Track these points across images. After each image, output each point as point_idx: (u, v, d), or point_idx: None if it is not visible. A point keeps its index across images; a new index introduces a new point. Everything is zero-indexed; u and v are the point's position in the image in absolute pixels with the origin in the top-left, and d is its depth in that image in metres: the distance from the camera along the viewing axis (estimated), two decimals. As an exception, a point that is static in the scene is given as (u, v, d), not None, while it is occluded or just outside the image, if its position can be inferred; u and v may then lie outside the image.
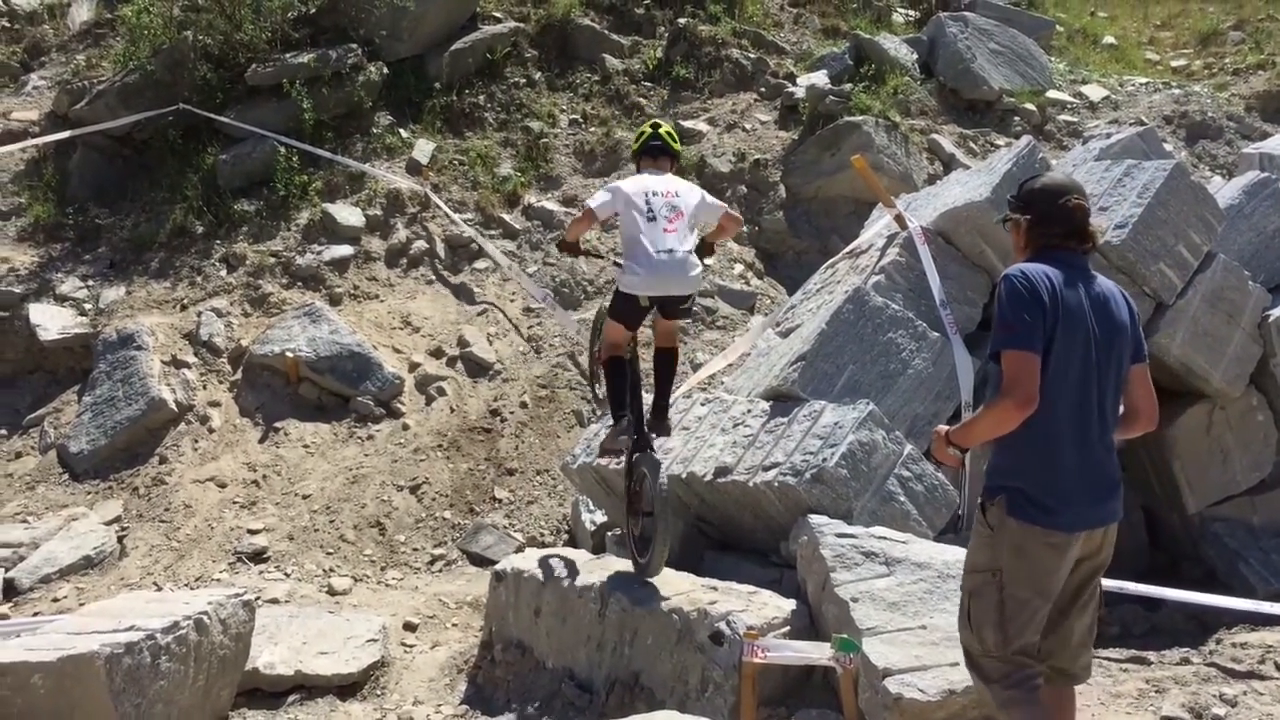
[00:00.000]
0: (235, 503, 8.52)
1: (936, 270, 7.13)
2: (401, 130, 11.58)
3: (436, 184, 11.11)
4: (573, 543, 8.36)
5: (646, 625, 5.45)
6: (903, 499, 5.97)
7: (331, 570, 8.04)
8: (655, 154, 6.01)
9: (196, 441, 8.98)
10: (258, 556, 8.11)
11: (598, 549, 7.64)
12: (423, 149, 11.37)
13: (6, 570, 7.85)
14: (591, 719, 5.59)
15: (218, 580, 7.77)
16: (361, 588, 7.89)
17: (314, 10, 11.77)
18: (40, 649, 5.07)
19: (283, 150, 10.81)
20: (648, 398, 6.18)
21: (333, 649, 6.64)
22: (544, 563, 6.42)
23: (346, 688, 6.49)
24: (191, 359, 9.49)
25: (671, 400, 6.14)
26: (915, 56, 13.58)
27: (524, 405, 9.50)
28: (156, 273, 10.31)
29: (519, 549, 8.21)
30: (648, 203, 5.65)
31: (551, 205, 11.23)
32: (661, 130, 6.05)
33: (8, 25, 12.86)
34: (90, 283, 10.19)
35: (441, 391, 9.50)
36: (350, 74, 11.36)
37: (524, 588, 6.35)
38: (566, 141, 11.96)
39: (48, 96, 11.88)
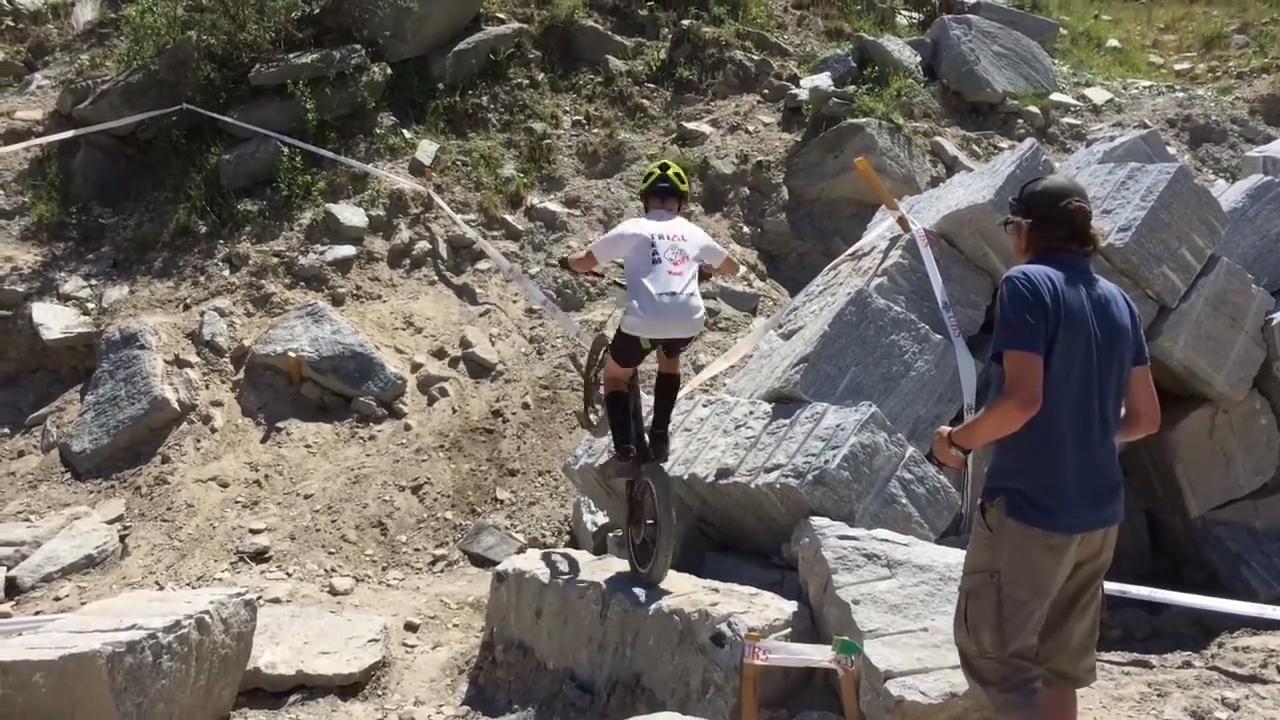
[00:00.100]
0: (237, 502, 8.53)
1: (939, 272, 7.13)
2: (405, 131, 11.59)
3: (439, 185, 11.12)
4: (574, 544, 8.36)
5: (648, 626, 5.44)
6: (904, 501, 5.97)
7: (333, 570, 8.04)
8: (663, 195, 6.03)
9: (199, 441, 8.98)
10: (259, 556, 8.11)
11: (599, 550, 7.64)
12: (426, 149, 11.38)
13: (9, 569, 7.85)
14: (593, 720, 5.60)
15: (219, 580, 7.77)
16: (363, 588, 7.89)
17: (318, 10, 11.78)
18: (42, 648, 5.06)
19: (286, 150, 10.82)
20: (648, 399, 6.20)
21: (334, 649, 6.64)
22: (547, 559, 6.43)
23: (348, 688, 6.49)
24: (194, 358, 9.50)
25: (671, 423, 6.15)
26: (919, 59, 13.59)
27: (526, 406, 9.51)
28: (159, 272, 10.32)
29: (520, 550, 8.21)
30: (654, 245, 5.68)
31: (554, 206, 11.24)
32: (669, 172, 6.07)
33: (12, 24, 12.89)
34: (93, 282, 10.20)
35: (444, 392, 9.50)
36: (354, 74, 11.37)
37: (525, 588, 6.34)
38: (569, 142, 11.96)
39: (52, 96, 11.90)
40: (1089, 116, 13.79)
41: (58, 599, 7.62)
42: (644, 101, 12.47)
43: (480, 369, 9.77)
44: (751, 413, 6.59)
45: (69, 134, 11.14)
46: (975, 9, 15.22)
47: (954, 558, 5.28)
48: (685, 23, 13.19)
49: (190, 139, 11.20)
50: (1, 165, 11.16)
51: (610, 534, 7.75)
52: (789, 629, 5.15)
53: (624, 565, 6.13)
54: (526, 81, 12.37)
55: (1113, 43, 16.81)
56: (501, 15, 12.71)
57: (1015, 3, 16.59)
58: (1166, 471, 7.51)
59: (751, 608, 5.24)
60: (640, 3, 13.46)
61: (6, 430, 9.36)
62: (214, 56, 11.36)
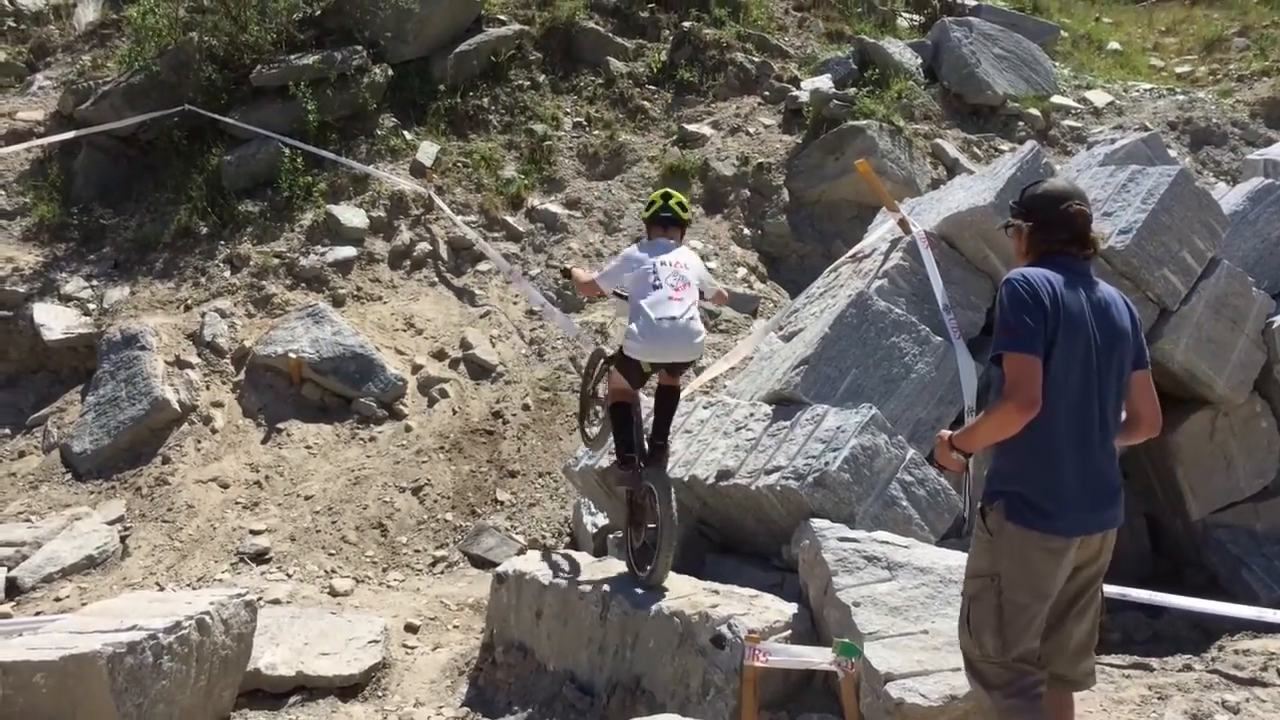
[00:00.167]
0: (238, 503, 8.53)
1: (940, 275, 7.14)
2: (405, 132, 11.59)
3: (440, 186, 11.12)
4: (574, 545, 8.35)
5: (648, 628, 5.44)
6: (905, 503, 5.97)
7: (333, 571, 8.04)
8: (665, 224, 6.11)
9: (199, 442, 8.98)
10: (260, 557, 8.11)
11: (599, 552, 7.64)
12: (426, 151, 11.38)
13: (9, 569, 7.85)
14: (592, 721, 5.60)
15: (220, 580, 7.77)
16: (363, 589, 7.89)
17: (319, 12, 11.80)
18: (43, 648, 5.07)
19: (287, 151, 10.83)
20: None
21: (334, 650, 6.63)
22: (548, 559, 6.43)
23: (348, 689, 6.49)
24: (195, 359, 9.51)
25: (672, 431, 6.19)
26: (919, 61, 13.60)
27: (526, 408, 9.51)
28: (160, 273, 10.33)
29: (520, 551, 8.21)
30: (655, 272, 5.76)
31: (555, 208, 11.24)
32: (672, 202, 6.14)
33: (14, 25, 12.90)
34: (94, 283, 10.21)
35: (444, 393, 9.50)
36: (355, 76, 11.38)
37: (526, 590, 6.34)
38: (570, 144, 11.97)
39: (53, 97, 11.92)
40: (1090, 119, 13.79)
41: (58, 599, 7.62)
42: (645, 103, 12.47)
43: (481, 370, 9.77)
44: (752, 415, 6.59)
45: (70, 135, 11.15)
46: (976, 11, 15.24)
47: (954, 560, 5.29)
48: (686, 25, 13.20)
49: (191, 140, 11.21)
50: (3, 166, 11.16)
51: (610, 535, 7.75)
52: (789, 631, 5.15)
53: (624, 567, 6.13)
54: (527, 83, 12.37)
55: (1113, 45, 16.82)
56: (503, 17, 12.72)
57: (1016, 5, 16.60)
58: (1167, 474, 7.51)
59: (751, 610, 5.23)
60: (641, 4, 13.46)
61: (7, 431, 9.36)
62: (215, 58, 11.37)
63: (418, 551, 8.40)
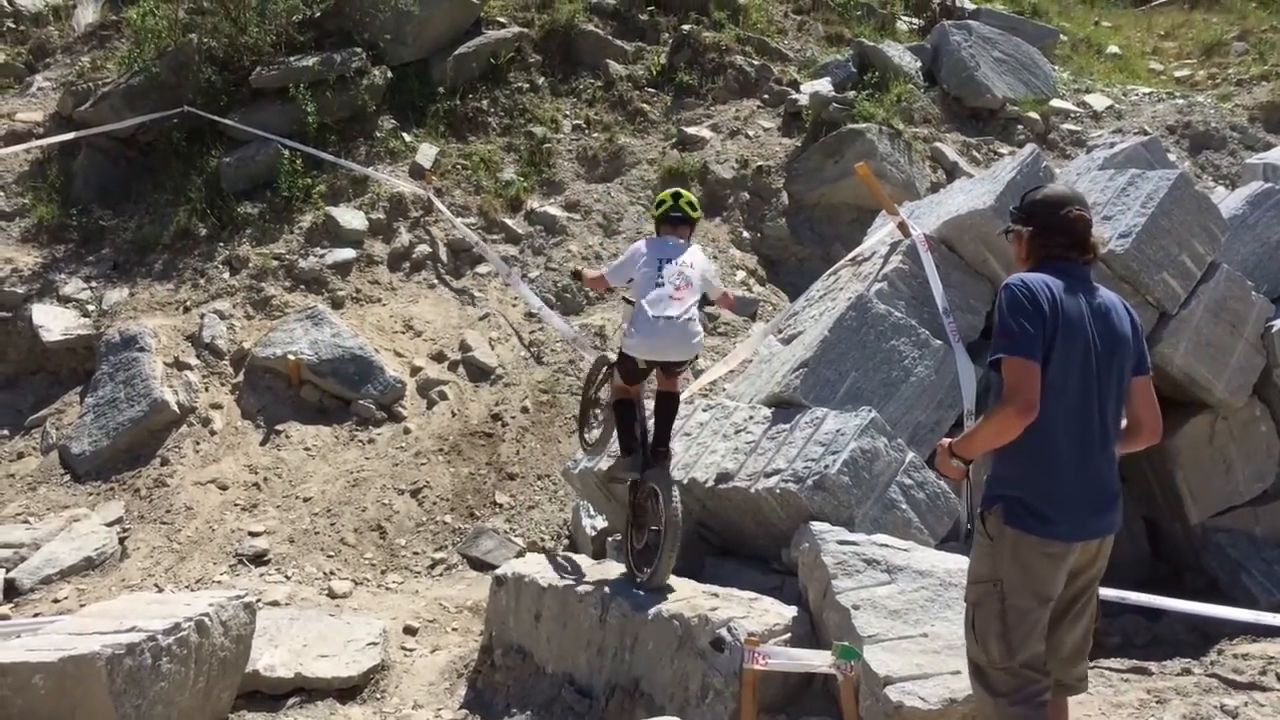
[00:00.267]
0: (236, 505, 8.52)
1: (939, 278, 7.13)
2: (405, 134, 11.60)
3: (439, 188, 11.12)
4: (573, 548, 8.36)
5: (647, 631, 5.44)
6: (904, 507, 5.97)
7: (332, 573, 8.04)
8: (675, 223, 6.15)
9: (198, 443, 8.98)
10: (258, 559, 8.10)
11: (598, 554, 7.64)
12: (426, 153, 11.38)
13: (8, 571, 7.85)
14: (591, 724, 5.59)
15: (218, 582, 7.77)
16: (362, 591, 7.89)
17: (318, 14, 11.80)
18: (41, 649, 5.07)
19: (286, 153, 10.83)
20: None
21: (333, 652, 6.64)
22: (554, 561, 6.42)
23: (346, 691, 6.50)
24: (194, 361, 9.50)
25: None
26: (919, 64, 13.60)
27: (525, 410, 9.51)
28: (159, 274, 10.32)
29: (519, 554, 8.21)
30: (660, 270, 5.81)
31: (554, 210, 11.24)
32: (681, 201, 6.18)
33: (13, 26, 12.91)
34: (93, 284, 10.20)
35: (443, 395, 9.50)
36: (354, 78, 11.38)
37: (525, 592, 6.34)
38: (569, 147, 11.97)
39: (52, 98, 11.92)
40: (1089, 123, 13.80)
41: (57, 601, 7.62)
42: (644, 106, 12.48)
43: (480, 373, 9.77)
44: (751, 417, 6.59)
45: (69, 136, 11.15)
46: (975, 15, 15.24)
47: (954, 563, 5.30)
48: (685, 28, 13.20)
49: (191, 141, 11.20)
50: (2, 167, 11.17)
51: (609, 538, 7.75)
52: (788, 634, 5.15)
53: (624, 569, 6.13)
54: (527, 85, 12.38)
55: (1113, 49, 16.84)
56: (502, 19, 12.73)
57: (1015, 9, 16.61)
58: (1166, 478, 7.51)
59: (751, 613, 5.23)
60: (640, 7, 13.47)
61: (6, 432, 9.36)
62: (215, 59, 11.37)
63: (416, 554, 8.40)
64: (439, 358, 9.80)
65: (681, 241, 6.05)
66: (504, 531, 8.63)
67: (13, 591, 7.75)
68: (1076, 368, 3.68)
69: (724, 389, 8.47)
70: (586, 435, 6.77)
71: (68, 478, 8.86)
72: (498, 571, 6.79)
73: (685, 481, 6.39)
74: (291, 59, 11.33)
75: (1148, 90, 14.93)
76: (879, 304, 6.88)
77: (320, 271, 10.25)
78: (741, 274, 11.03)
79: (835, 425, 6.06)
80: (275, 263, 10.28)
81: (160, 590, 7.65)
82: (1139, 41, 17.67)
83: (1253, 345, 7.37)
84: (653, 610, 5.44)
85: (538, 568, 6.51)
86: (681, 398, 6.26)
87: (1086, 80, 15.14)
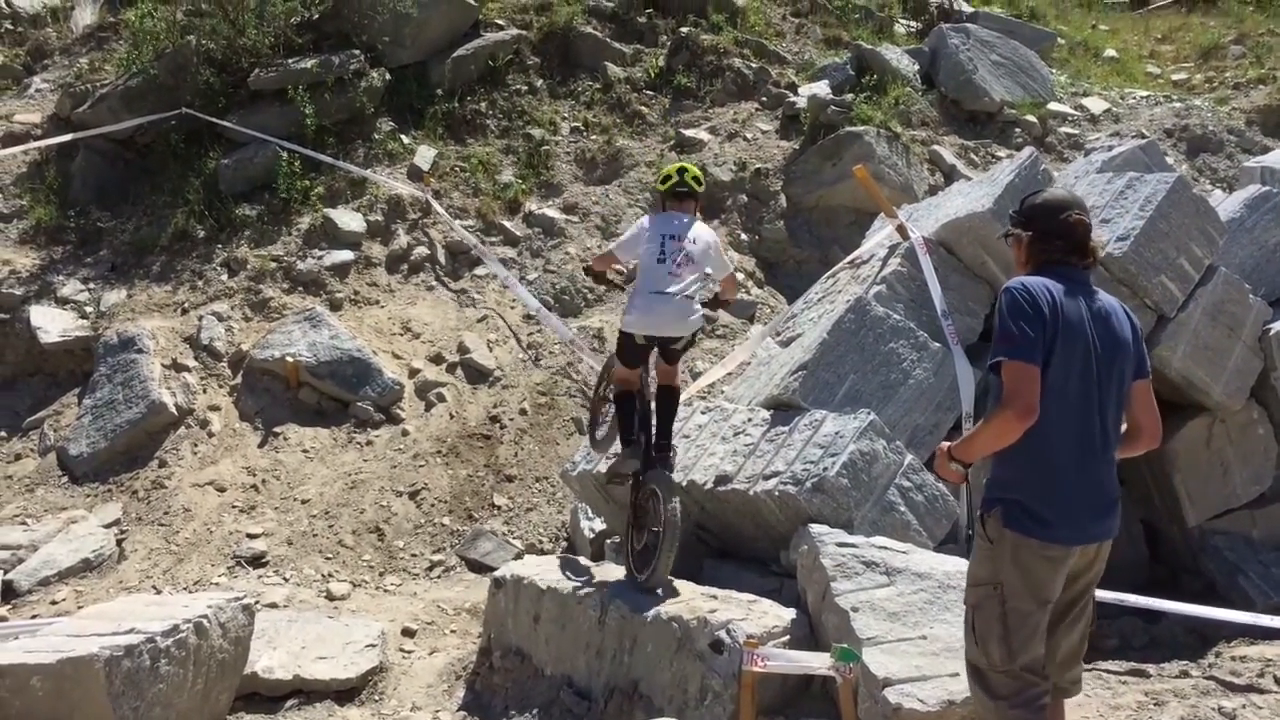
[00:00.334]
0: (234, 507, 8.51)
1: (938, 281, 7.14)
2: (403, 136, 11.60)
3: (438, 190, 11.12)
4: (572, 550, 8.36)
5: (646, 633, 5.44)
6: (903, 509, 5.97)
7: (330, 575, 8.03)
8: (681, 197, 6.17)
9: (196, 445, 8.97)
10: (256, 561, 8.10)
11: (596, 556, 7.64)
12: (424, 155, 11.38)
13: (5, 572, 7.84)
14: (590, 727, 5.59)
15: (216, 584, 7.76)
16: (360, 593, 7.89)
17: (317, 16, 11.79)
18: (39, 651, 5.07)
19: (285, 155, 10.82)
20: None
21: (331, 654, 6.64)
22: (566, 562, 6.45)
23: (344, 693, 6.50)
24: (192, 363, 9.50)
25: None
26: (917, 67, 13.62)
27: (523, 412, 9.51)
28: (157, 276, 10.32)
29: (518, 556, 8.20)
30: (663, 247, 5.84)
31: (552, 212, 11.25)
32: (687, 175, 6.19)
33: (11, 28, 12.91)
34: (91, 286, 10.20)
35: (441, 398, 9.49)
36: (353, 80, 11.38)
37: (523, 594, 6.34)
38: (568, 149, 11.97)
39: (50, 99, 11.91)
40: (1086, 126, 13.83)
41: (54, 603, 7.61)
42: (642, 108, 12.48)
43: (478, 375, 9.77)
44: (750, 420, 6.59)
45: (67, 137, 11.14)
46: (973, 18, 15.26)
47: (952, 565, 5.30)
48: (684, 30, 13.21)
49: (189, 143, 11.19)
50: (0, 169, 11.15)
51: (608, 540, 7.75)
52: (787, 636, 5.15)
53: (623, 571, 6.14)
54: (525, 88, 12.38)
55: (1110, 53, 16.86)
56: (500, 22, 12.73)
57: (1013, 12, 16.64)
58: (1164, 481, 7.52)
59: (750, 615, 5.23)
60: (639, 10, 13.47)
61: (3, 434, 9.35)
62: (213, 61, 11.36)
63: (414, 556, 8.39)
64: (437, 360, 9.80)
65: (686, 218, 6.06)
66: (502, 534, 8.63)
67: (10, 593, 7.74)
68: (1077, 372, 3.68)
69: (722, 391, 8.47)
70: (595, 433, 6.77)
71: (65, 479, 8.85)
72: (496, 573, 6.79)
73: (684, 484, 6.39)
74: (290, 61, 11.32)
75: (1145, 93, 14.95)
76: (878, 306, 6.89)
77: (318, 273, 10.25)
78: (740, 276, 11.02)
79: (834, 428, 6.06)
80: (273, 264, 10.27)
81: (158, 592, 7.65)
82: (1136, 45, 17.70)
83: (1250, 348, 7.39)
84: (651, 612, 5.44)
85: (536, 570, 6.51)
86: (680, 399, 6.27)
87: (1084, 83, 15.16)
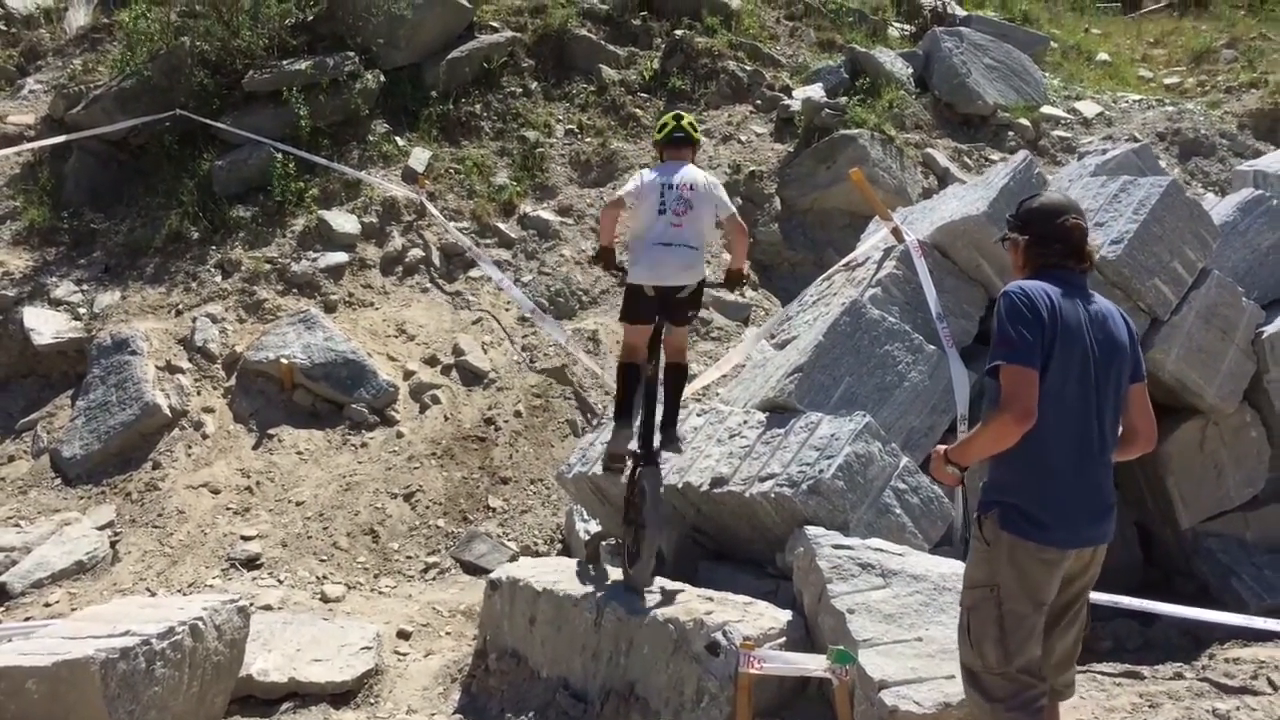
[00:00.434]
0: (229, 509, 8.50)
1: (933, 283, 7.17)
2: (398, 138, 11.59)
3: (432, 192, 11.11)
4: (566, 552, 8.36)
5: (642, 635, 5.44)
6: (898, 511, 5.99)
7: (325, 577, 8.02)
8: (678, 144, 6.19)
9: (190, 447, 8.95)
10: (251, 563, 8.08)
11: (592, 559, 7.62)
12: (419, 157, 11.37)
13: (-2, 575, 7.82)
14: (586, 729, 5.59)
15: (210, 586, 7.74)
16: (355, 595, 7.87)
17: (311, 18, 11.77)
18: (35, 654, 5.04)
19: (279, 157, 10.80)
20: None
21: (327, 656, 6.62)
22: (582, 568, 6.43)
23: (340, 696, 6.48)
24: (186, 364, 9.48)
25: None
26: (910, 71, 13.64)
27: (518, 414, 9.50)
28: (151, 278, 10.30)
29: (512, 558, 8.20)
30: (662, 196, 5.85)
31: (547, 215, 11.25)
32: (684, 122, 6.23)
33: (4, 29, 12.88)
34: (85, 287, 10.17)
35: (436, 400, 9.49)
36: (347, 81, 11.36)
37: (519, 596, 6.34)
38: (562, 151, 11.98)
39: (44, 100, 11.89)
40: (1079, 129, 13.86)
41: (48, 605, 7.59)
42: (637, 111, 12.49)
43: (472, 377, 9.77)
44: (746, 422, 6.60)
45: (61, 139, 11.11)
46: (967, 22, 15.30)
47: (948, 568, 5.32)
48: (678, 33, 13.21)
49: (183, 145, 11.16)
50: (-7, 170, 11.15)
51: (603, 543, 7.74)
52: (783, 638, 5.15)
53: (618, 573, 6.15)
54: (520, 90, 12.38)
55: (1103, 56, 16.90)
56: (495, 24, 12.72)
57: (1006, 16, 16.68)
58: (1158, 483, 7.55)
59: (746, 617, 5.24)
60: (633, 13, 13.48)
61: (-4, 436, 9.33)
62: (207, 62, 11.33)
63: (409, 558, 8.39)
64: (432, 362, 9.79)
65: (683, 165, 6.07)
66: (497, 536, 8.63)
67: (3, 595, 7.71)
68: (1075, 375, 3.69)
69: (717, 393, 8.48)
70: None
71: (59, 481, 8.82)
72: (492, 575, 6.78)
73: (680, 486, 6.41)
74: (284, 63, 11.29)
75: (1137, 97, 14.99)
76: (873, 309, 6.91)
77: (313, 275, 10.24)
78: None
79: (830, 430, 6.07)
80: (267, 266, 10.26)
81: (152, 594, 7.62)
82: (1129, 49, 17.75)
83: (1243, 351, 7.42)
84: (648, 614, 5.45)
85: (532, 571, 6.51)
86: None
87: (1077, 87, 15.20)
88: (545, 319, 10.08)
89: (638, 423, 5.96)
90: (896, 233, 7.61)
